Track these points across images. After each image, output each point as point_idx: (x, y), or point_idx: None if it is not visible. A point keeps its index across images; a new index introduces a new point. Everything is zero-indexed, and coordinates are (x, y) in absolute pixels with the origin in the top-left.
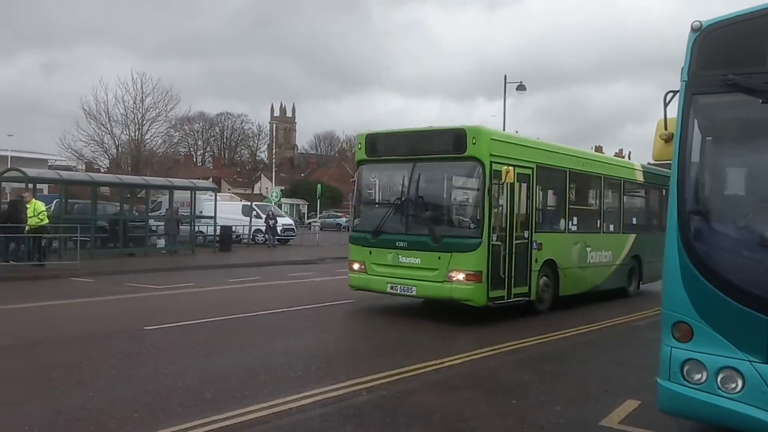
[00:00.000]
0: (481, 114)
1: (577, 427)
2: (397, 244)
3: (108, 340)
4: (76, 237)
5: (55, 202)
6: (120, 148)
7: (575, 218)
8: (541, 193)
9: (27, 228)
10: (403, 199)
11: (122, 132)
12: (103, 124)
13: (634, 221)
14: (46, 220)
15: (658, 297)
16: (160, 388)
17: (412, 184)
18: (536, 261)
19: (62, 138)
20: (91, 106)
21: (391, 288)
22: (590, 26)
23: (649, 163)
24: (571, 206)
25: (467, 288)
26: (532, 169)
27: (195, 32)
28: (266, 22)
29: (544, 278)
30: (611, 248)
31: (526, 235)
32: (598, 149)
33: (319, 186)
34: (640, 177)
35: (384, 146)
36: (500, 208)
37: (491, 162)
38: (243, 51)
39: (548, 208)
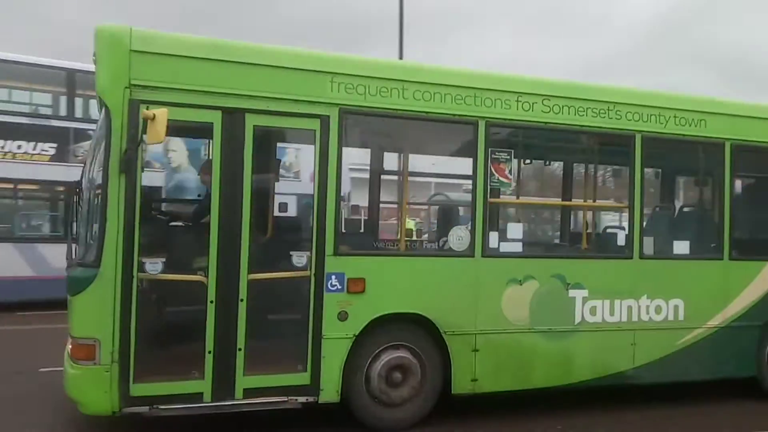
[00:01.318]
0: None
1: None
2: None
3: None
4: None
5: None
6: None
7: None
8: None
9: None
10: None
11: None
12: None
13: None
14: None
15: None
16: None
17: None
18: (346, 320)
19: None
20: None
21: None
22: None
23: None
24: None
25: (76, 375)
26: (321, 118)
27: None
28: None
29: (396, 354)
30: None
31: (303, 259)
32: None
33: None
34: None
35: None
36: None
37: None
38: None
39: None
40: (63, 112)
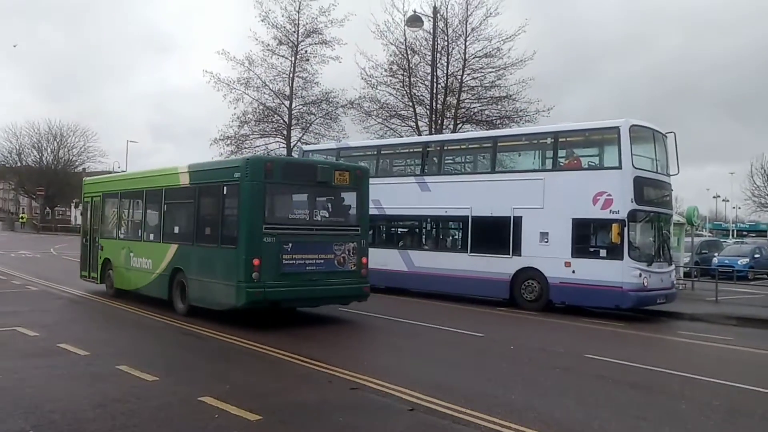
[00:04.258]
0: None
1: None
2: None
3: None
4: None
5: None
6: None
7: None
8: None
9: None
10: None
11: None
12: None
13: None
14: None
15: None
16: None
17: None
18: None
19: None
20: None
21: None
22: None
23: None
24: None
25: None
26: (101, 195)
27: None
28: None
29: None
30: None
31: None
32: None
33: None
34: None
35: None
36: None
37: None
38: None
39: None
40: None
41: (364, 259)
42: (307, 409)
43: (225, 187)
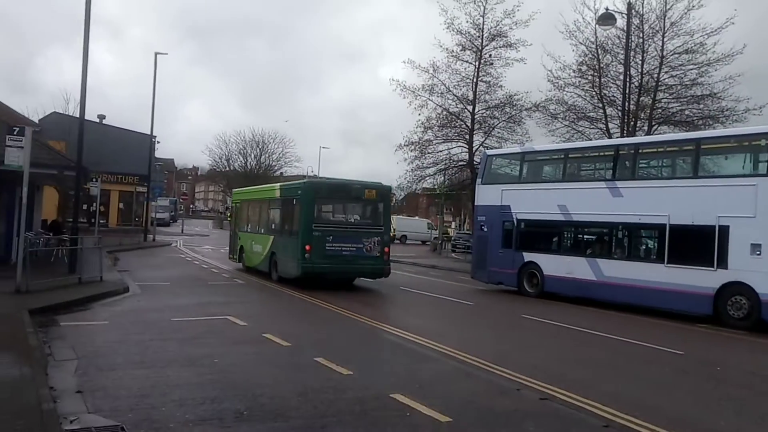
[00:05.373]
0: None
1: None
2: None
3: None
4: None
5: None
6: None
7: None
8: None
9: None
10: None
11: None
12: None
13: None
14: None
15: None
16: None
17: None
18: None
19: None
20: None
21: None
22: None
23: None
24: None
25: None
26: (240, 202)
27: None
28: None
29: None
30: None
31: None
32: None
33: None
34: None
35: None
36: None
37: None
38: None
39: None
40: None
41: (386, 249)
42: (496, 414)
43: (294, 200)
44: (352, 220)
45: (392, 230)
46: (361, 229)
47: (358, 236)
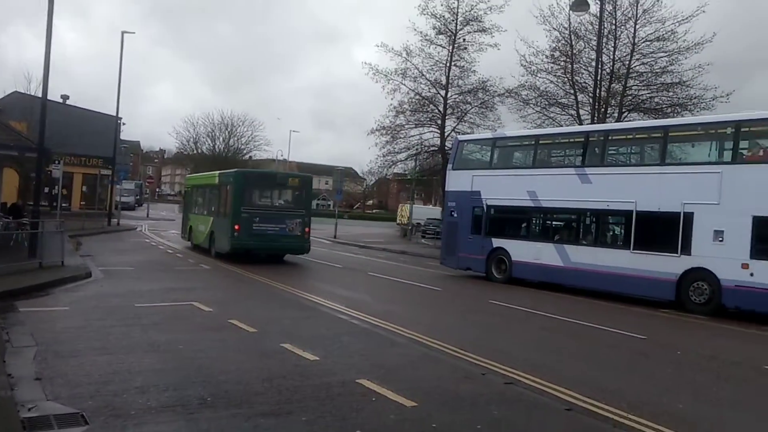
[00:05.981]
0: None
1: None
2: None
3: None
4: None
5: None
6: None
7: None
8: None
9: None
10: None
11: None
12: None
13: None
14: None
15: None
16: None
17: None
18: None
19: None
20: None
21: None
22: None
23: None
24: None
25: None
26: (190, 187)
27: None
28: None
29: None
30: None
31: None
32: None
33: None
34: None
35: None
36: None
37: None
38: None
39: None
40: None
41: (306, 229)
42: (461, 398)
43: (228, 186)
44: (277, 204)
45: (408, 218)
46: (285, 212)
47: (281, 218)
